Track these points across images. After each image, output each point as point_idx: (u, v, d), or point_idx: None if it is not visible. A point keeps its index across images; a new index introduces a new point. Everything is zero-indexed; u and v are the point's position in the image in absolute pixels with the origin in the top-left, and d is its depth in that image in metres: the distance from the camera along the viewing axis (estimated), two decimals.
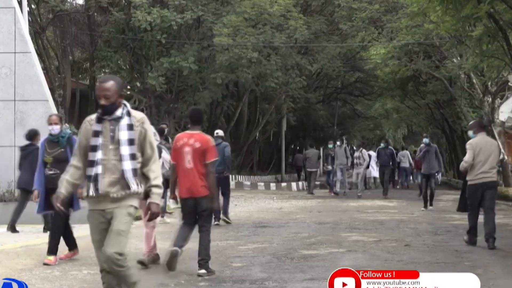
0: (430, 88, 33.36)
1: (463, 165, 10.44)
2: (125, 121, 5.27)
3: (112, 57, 28.81)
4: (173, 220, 14.52)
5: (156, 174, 5.32)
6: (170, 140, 16.61)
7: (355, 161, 23.44)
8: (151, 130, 5.47)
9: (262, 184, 30.85)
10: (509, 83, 25.03)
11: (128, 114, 5.33)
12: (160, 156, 13.43)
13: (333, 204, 20.05)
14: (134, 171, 5.23)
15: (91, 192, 5.23)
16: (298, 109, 37.92)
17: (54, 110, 13.85)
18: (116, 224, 5.17)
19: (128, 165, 5.21)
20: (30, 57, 13.80)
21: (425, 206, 17.69)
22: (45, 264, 8.38)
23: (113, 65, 29.05)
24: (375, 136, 60.51)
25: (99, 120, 5.31)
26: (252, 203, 20.00)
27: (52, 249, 8.54)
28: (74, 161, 5.43)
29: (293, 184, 31.12)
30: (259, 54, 27.24)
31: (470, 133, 10.99)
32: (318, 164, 26.82)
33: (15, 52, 13.62)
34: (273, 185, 30.70)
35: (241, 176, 32.17)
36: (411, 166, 30.09)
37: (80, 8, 31.54)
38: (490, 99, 26.29)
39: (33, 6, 28.87)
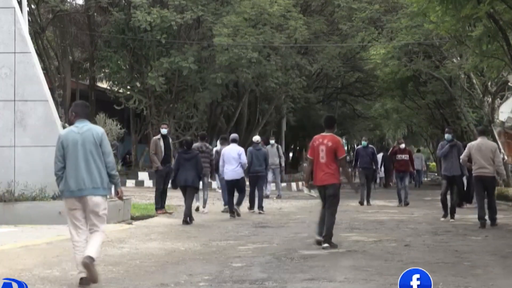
0: (430, 88, 33.31)
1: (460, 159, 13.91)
2: None
3: (112, 57, 28.79)
4: (173, 220, 14.50)
5: None
6: (170, 140, 16.47)
7: None
8: None
9: None
10: (509, 83, 25.02)
11: None
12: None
13: None
14: None
15: None
16: (298, 109, 37.89)
17: (54, 110, 13.82)
18: None
19: None
20: (30, 57, 13.75)
21: (445, 215, 14.77)
22: None
23: (113, 65, 29.03)
24: (375, 136, 60.41)
25: None
26: None
27: None
28: None
29: (293, 184, 31.10)
30: (259, 54, 27.22)
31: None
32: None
33: (15, 52, 13.57)
34: (273, 185, 30.59)
35: None
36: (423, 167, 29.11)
37: (80, 8, 31.55)
38: (490, 99, 26.29)
39: (33, 6, 28.85)
